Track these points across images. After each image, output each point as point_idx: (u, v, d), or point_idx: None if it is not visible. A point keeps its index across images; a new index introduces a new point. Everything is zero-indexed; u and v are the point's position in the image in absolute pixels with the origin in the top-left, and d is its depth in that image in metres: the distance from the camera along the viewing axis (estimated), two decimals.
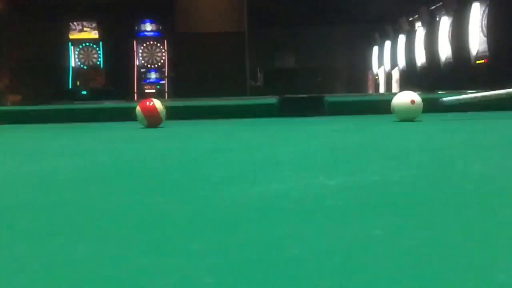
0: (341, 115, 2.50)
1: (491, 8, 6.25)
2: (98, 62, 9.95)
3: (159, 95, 9.18)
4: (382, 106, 2.27)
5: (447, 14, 7.91)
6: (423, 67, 9.24)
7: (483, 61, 6.88)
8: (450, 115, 2.12)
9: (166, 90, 9.61)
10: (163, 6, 8.76)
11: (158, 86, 9.71)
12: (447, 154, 1.09)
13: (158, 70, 9.78)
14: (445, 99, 2.00)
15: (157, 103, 2.01)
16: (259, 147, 1.35)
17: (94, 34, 9.88)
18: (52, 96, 8.48)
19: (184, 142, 1.56)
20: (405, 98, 1.95)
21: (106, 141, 1.66)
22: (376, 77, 12.92)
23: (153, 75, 9.78)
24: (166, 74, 9.67)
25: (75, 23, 9.85)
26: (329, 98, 2.70)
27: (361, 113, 2.48)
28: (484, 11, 6.48)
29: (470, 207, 0.59)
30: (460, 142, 1.34)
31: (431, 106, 2.03)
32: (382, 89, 12.32)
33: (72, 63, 9.90)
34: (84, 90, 9.54)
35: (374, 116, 2.33)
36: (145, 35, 9.77)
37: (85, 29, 9.89)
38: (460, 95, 2.08)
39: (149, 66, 9.78)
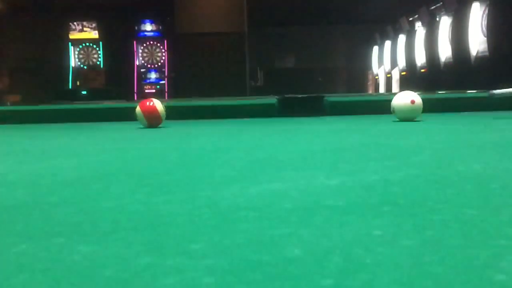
0: (341, 115, 2.50)
1: (491, 8, 6.24)
2: (98, 62, 9.96)
3: (159, 95, 9.19)
4: (382, 106, 2.27)
5: (447, 14, 7.90)
6: (423, 67, 9.24)
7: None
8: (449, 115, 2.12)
9: (166, 90, 9.62)
10: (163, 6, 8.77)
11: (158, 86, 9.73)
12: (447, 154, 1.09)
13: (158, 70, 9.78)
14: (495, 91, 2.05)
15: (157, 103, 2.02)
16: (259, 147, 1.35)
17: (94, 34, 9.90)
18: (52, 96, 8.48)
19: (184, 142, 1.56)
20: (405, 98, 1.96)
21: (106, 141, 1.66)
22: (376, 77, 12.91)
23: (153, 75, 9.79)
24: (166, 74, 9.68)
25: (75, 23, 9.85)
26: (329, 98, 2.70)
27: (361, 113, 2.49)
28: (484, 11, 6.48)
29: (470, 207, 0.59)
30: (460, 142, 1.34)
31: (486, 100, 2.12)
32: (382, 89, 12.32)
33: (72, 63, 9.91)
34: (84, 90, 9.54)
35: (374, 116, 2.34)
36: (145, 35, 9.78)
37: (85, 29, 9.90)
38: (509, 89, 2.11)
39: (149, 66, 9.79)
